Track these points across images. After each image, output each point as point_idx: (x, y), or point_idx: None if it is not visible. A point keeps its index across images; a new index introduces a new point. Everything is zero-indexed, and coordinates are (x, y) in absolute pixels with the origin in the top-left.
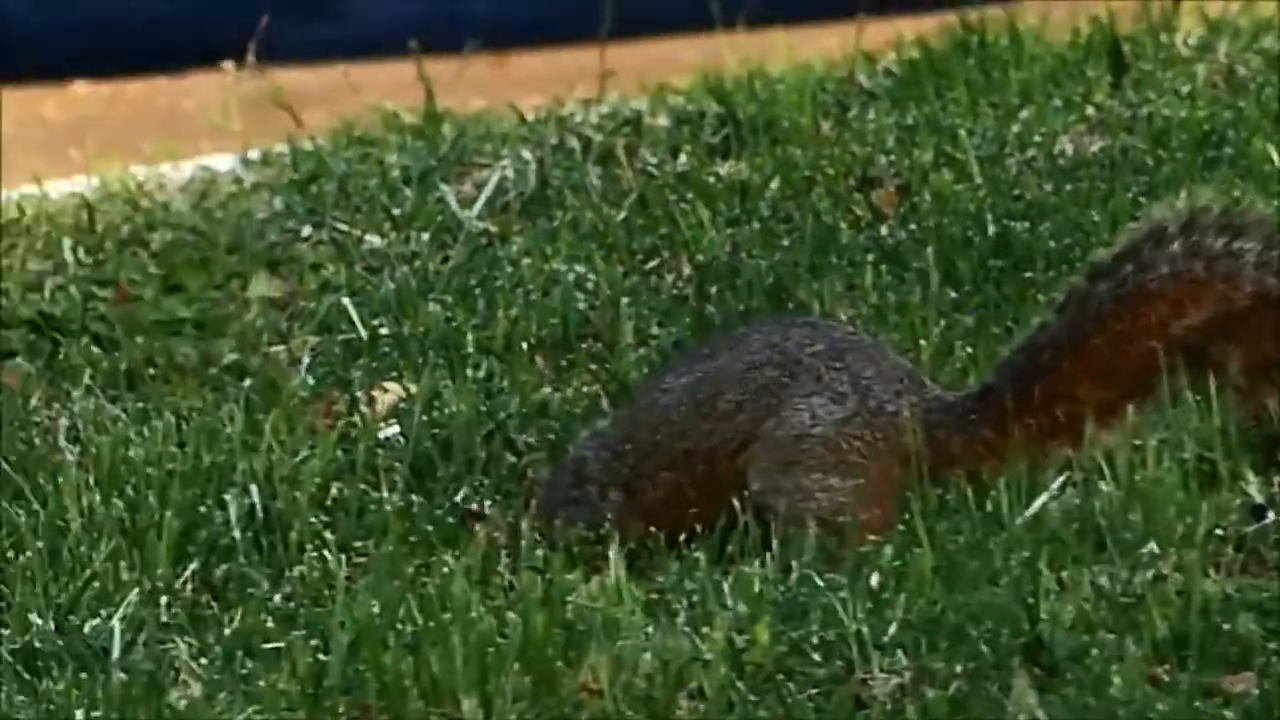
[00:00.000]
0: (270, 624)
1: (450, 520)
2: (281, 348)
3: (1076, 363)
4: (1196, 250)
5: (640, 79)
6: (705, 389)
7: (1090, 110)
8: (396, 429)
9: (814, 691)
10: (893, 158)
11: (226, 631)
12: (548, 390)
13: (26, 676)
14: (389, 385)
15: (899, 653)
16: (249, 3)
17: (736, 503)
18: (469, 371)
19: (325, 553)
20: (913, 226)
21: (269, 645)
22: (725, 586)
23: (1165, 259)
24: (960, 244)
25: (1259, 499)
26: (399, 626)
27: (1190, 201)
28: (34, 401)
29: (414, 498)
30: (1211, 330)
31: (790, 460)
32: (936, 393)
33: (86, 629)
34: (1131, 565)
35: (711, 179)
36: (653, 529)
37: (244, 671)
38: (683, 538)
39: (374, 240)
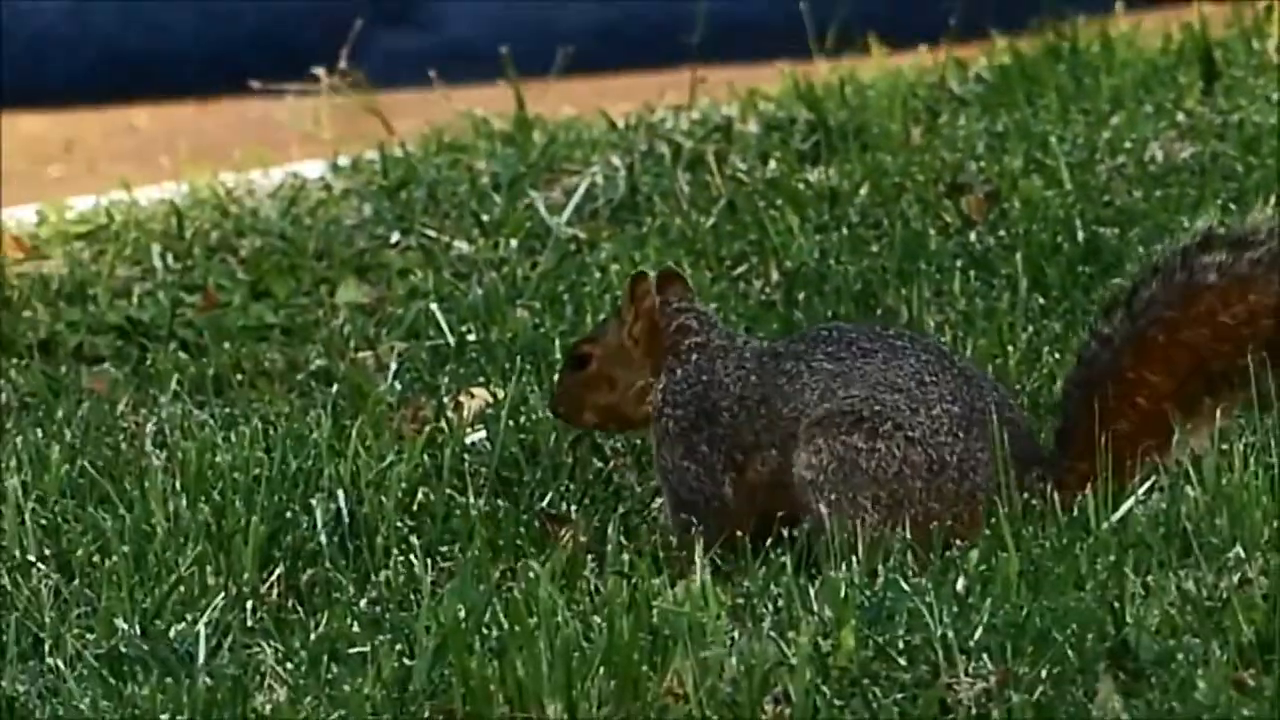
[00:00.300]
0: (356, 628)
1: (536, 525)
2: (369, 353)
3: (1137, 358)
4: (1240, 252)
5: (731, 85)
6: (839, 383)
7: (1181, 116)
8: (483, 434)
9: (899, 696)
10: (982, 164)
11: (312, 636)
12: None
13: (111, 681)
14: (476, 391)
15: (984, 657)
16: (339, 11)
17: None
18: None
19: (411, 557)
20: (1001, 233)
21: (354, 650)
22: (811, 591)
23: (1213, 262)
24: (1049, 250)
25: None
26: (484, 631)
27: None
28: (121, 407)
29: (500, 503)
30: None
31: (852, 480)
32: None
33: (172, 633)
34: (1217, 570)
35: (801, 185)
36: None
37: (329, 676)
38: (769, 542)
39: (462, 246)
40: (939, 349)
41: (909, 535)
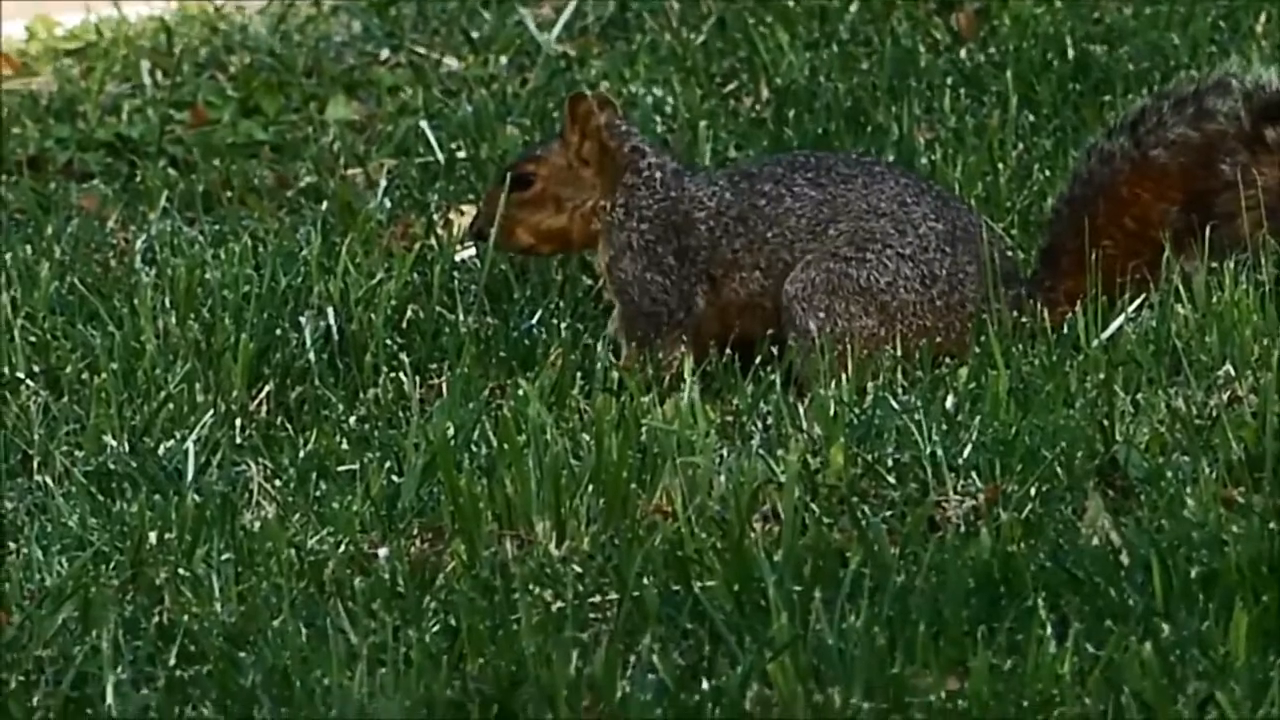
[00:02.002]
0: (344, 446)
1: (525, 343)
2: (358, 171)
3: (1136, 176)
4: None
5: None
6: (826, 211)
7: None
8: (472, 251)
9: (888, 513)
10: None
11: (300, 453)
12: None
13: (100, 498)
14: (465, 208)
15: (973, 475)
16: None
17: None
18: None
19: (400, 375)
20: (992, 50)
21: (343, 467)
22: (800, 409)
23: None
24: (1039, 67)
25: None
26: (473, 449)
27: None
28: (110, 223)
29: (489, 320)
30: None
31: (843, 292)
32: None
33: (160, 450)
34: (1207, 387)
35: (791, 2)
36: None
37: (317, 493)
38: (757, 360)
39: (452, 63)
40: (913, 174)
41: (900, 350)
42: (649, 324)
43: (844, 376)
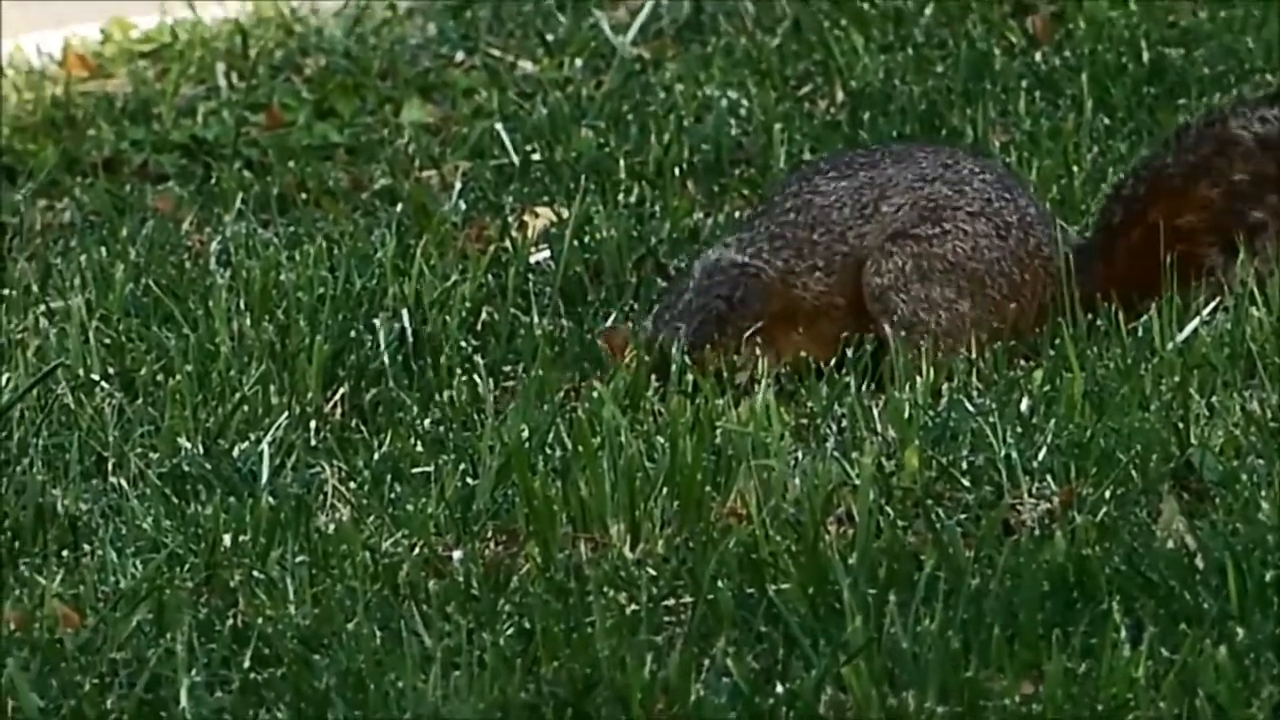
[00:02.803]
0: (419, 448)
1: (600, 345)
2: (433, 173)
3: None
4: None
5: None
6: (869, 193)
7: None
8: (547, 254)
9: (963, 516)
10: None
11: (375, 456)
12: (699, 215)
13: (174, 500)
14: (540, 210)
15: (1048, 478)
16: None
17: (886, 327)
18: (620, 197)
19: (474, 377)
20: (1067, 53)
21: (417, 470)
22: (875, 411)
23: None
24: (1114, 70)
25: None
26: (547, 451)
27: None
28: (185, 225)
29: (564, 322)
30: None
31: (931, 272)
32: (1074, 237)
33: (235, 453)
34: None
35: (866, 5)
36: (798, 348)
37: (392, 496)
38: (833, 362)
39: (527, 66)
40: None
41: (996, 312)
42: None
43: (918, 379)
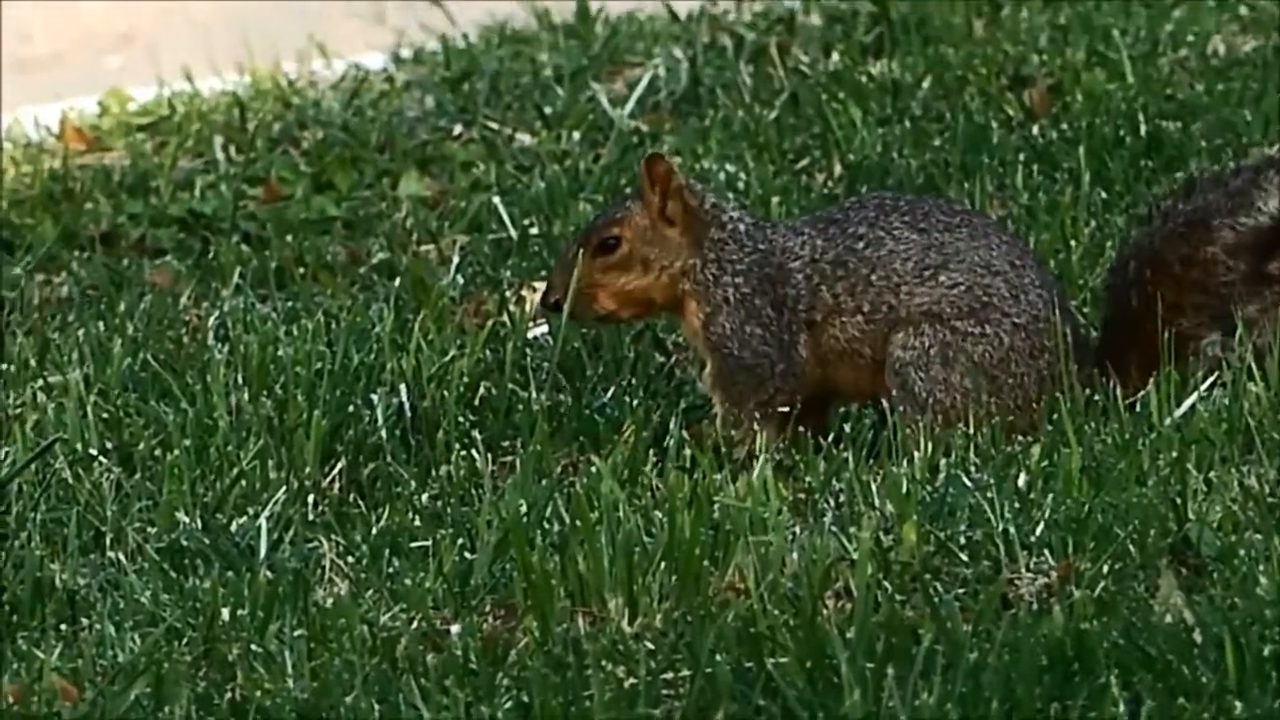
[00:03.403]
0: (417, 523)
1: (598, 420)
2: (431, 247)
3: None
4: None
5: None
6: (935, 256)
7: (1243, 9)
8: (545, 329)
9: (960, 591)
10: (1045, 57)
11: (373, 530)
12: None
13: (173, 574)
14: (538, 285)
15: (1046, 552)
16: None
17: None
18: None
19: (473, 452)
20: (1064, 126)
21: (416, 544)
22: (873, 486)
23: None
24: (1111, 143)
25: None
26: (545, 526)
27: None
28: (183, 300)
29: (561, 397)
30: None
31: (955, 361)
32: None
33: (233, 527)
34: (1279, 466)
35: (863, 78)
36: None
37: (390, 570)
38: (830, 437)
39: (525, 139)
40: (1007, 228)
41: (1001, 417)
42: (750, 378)
43: (916, 455)
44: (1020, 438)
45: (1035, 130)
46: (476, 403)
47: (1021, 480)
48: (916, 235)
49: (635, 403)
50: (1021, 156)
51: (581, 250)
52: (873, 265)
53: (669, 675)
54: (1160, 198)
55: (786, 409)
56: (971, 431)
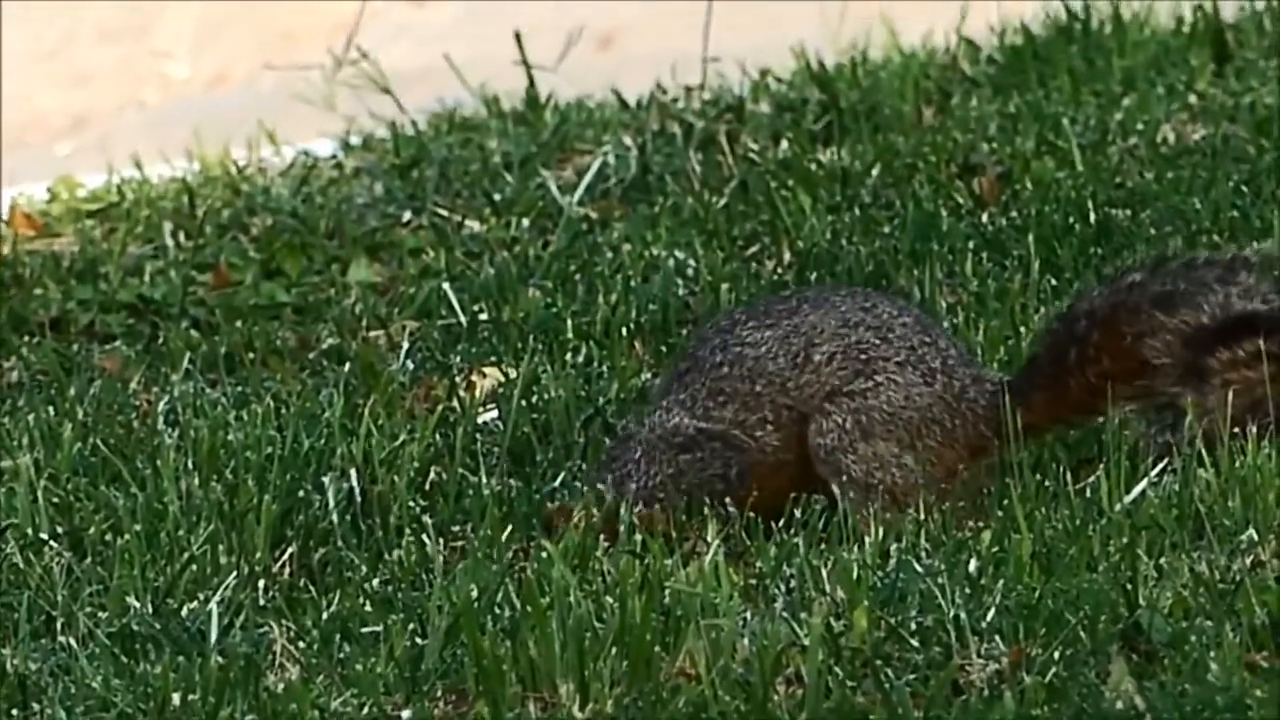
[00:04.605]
0: (368, 608)
1: (548, 505)
2: (381, 333)
3: (1105, 335)
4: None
5: (742, 65)
6: (797, 341)
7: (1193, 98)
8: (495, 414)
9: (912, 677)
10: (994, 145)
11: (324, 615)
12: (646, 376)
13: (124, 659)
14: (488, 370)
15: (997, 638)
16: None
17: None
18: (568, 357)
19: (423, 537)
20: (1014, 214)
21: (367, 629)
22: (823, 571)
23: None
24: (1061, 231)
25: None
26: (496, 611)
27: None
28: (133, 385)
29: (512, 482)
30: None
31: (872, 426)
32: (991, 374)
33: (184, 612)
34: (1230, 552)
35: (813, 165)
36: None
37: (341, 655)
38: (781, 521)
39: (474, 225)
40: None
41: (931, 462)
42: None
43: (867, 540)
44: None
45: (985, 218)
46: (427, 487)
47: (972, 565)
48: (768, 331)
49: (585, 488)
50: (971, 244)
51: None
52: (748, 378)
53: None
54: (1131, 267)
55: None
56: (922, 513)
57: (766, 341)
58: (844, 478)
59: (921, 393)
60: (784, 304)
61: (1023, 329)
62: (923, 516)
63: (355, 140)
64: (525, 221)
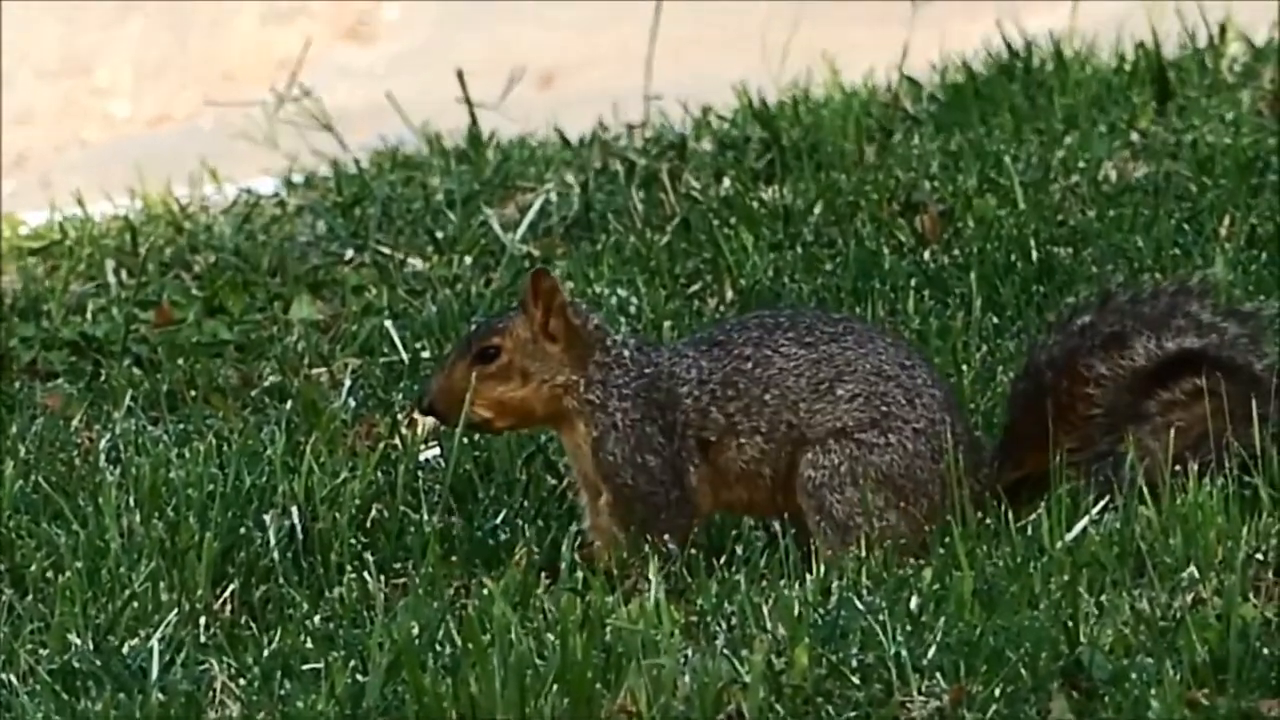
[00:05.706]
0: (309, 645)
1: (490, 542)
2: (323, 370)
3: (1071, 380)
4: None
5: (684, 104)
6: (827, 370)
7: (1135, 136)
8: (436, 451)
9: (853, 714)
10: (936, 183)
11: (265, 652)
12: None
13: (65, 696)
14: None
15: (938, 675)
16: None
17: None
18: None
19: (365, 574)
20: (956, 251)
21: (308, 666)
22: (765, 608)
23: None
24: (1003, 269)
25: None
26: (437, 648)
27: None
28: (75, 422)
29: (454, 520)
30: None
31: (865, 478)
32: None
33: (125, 649)
34: (1171, 589)
35: (755, 203)
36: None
37: (282, 692)
38: (721, 560)
39: (416, 263)
40: (890, 332)
41: (912, 531)
42: (646, 507)
43: (808, 577)
44: (913, 560)
45: (927, 255)
46: (368, 525)
47: (913, 603)
48: (803, 350)
49: (527, 525)
50: (913, 281)
51: (460, 357)
52: (764, 385)
53: None
54: (1077, 307)
55: (685, 531)
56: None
57: (798, 358)
58: (825, 515)
59: (924, 466)
60: (830, 326)
61: (964, 366)
62: (863, 554)
63: (298, 178)
64: (468, 259)
